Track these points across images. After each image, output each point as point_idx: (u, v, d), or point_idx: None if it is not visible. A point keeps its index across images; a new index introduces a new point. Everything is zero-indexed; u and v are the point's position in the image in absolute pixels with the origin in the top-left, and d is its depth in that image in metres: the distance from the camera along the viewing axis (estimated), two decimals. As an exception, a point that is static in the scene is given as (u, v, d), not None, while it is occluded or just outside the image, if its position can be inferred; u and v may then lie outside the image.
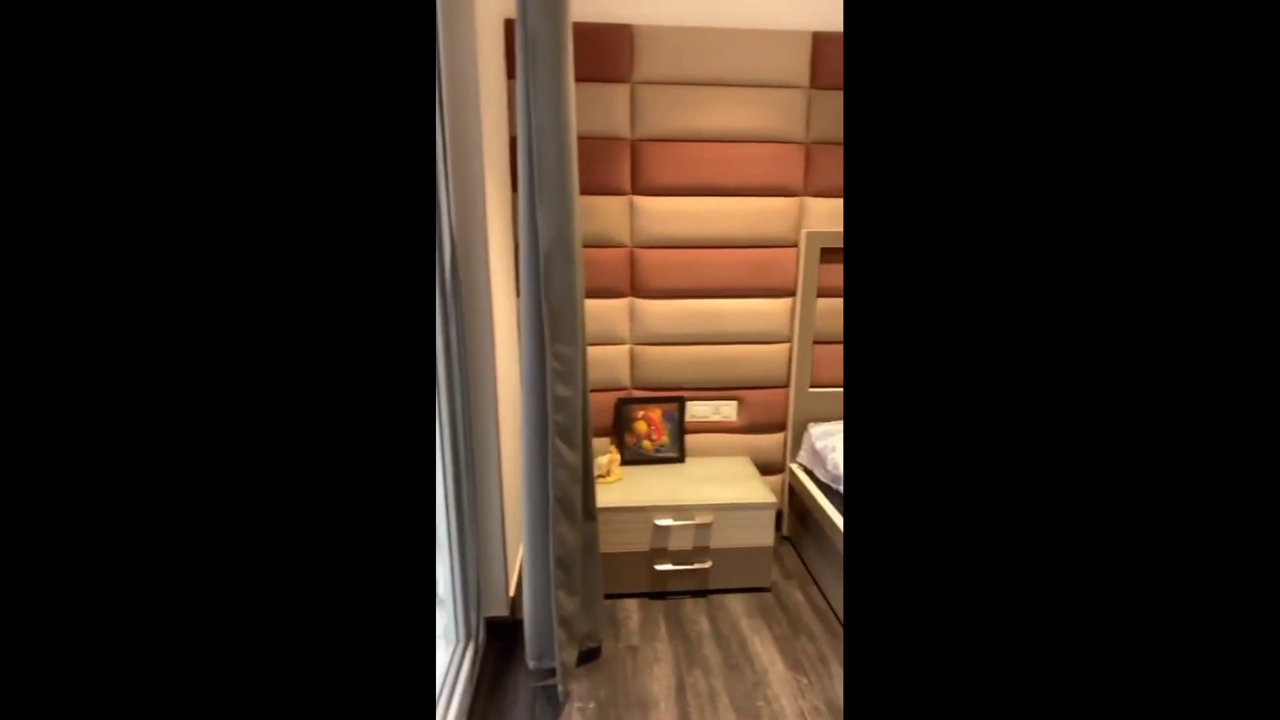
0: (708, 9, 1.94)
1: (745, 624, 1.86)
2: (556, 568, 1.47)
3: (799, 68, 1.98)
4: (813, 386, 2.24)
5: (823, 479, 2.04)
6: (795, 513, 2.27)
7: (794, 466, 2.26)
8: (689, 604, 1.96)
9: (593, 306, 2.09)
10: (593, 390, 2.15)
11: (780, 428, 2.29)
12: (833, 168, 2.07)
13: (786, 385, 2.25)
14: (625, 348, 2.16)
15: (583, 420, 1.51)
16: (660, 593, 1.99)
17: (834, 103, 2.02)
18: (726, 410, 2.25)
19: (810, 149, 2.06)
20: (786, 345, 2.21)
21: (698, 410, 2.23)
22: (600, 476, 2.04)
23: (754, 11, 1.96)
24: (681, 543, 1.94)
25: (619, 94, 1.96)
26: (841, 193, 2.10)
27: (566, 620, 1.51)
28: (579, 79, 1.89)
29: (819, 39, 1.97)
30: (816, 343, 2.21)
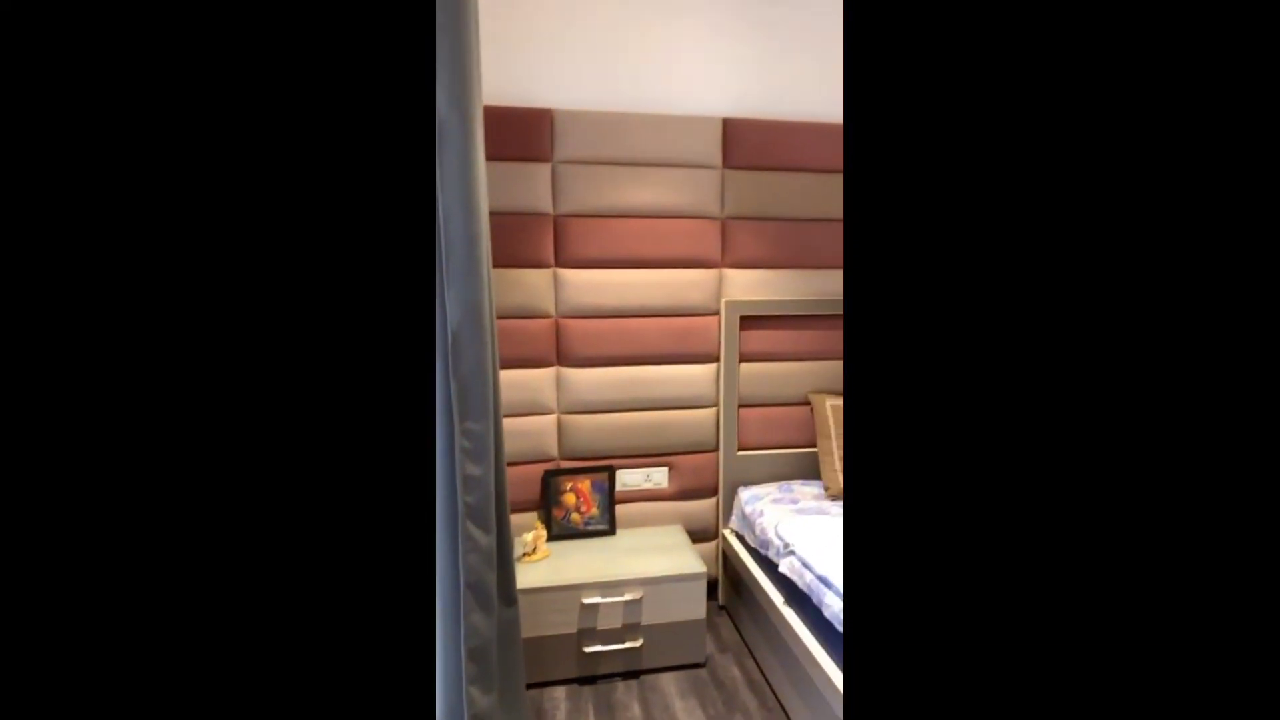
0: (622, 95, 2.06)
1: (679, 706, 1.78)
2: (469, 661, 1.37)
3: (711, 150, 2.11)
4: (741, 449, 2.26)
5: (753, 544, 2.03)
6: (730, 580, 2.23)
7: (727, 532, 2.24)
8: (620, 687, 1.86)
9: (518, 377, 2.07)
10: (519, 463, 2.10)
11: (712, 492, 2.28)
12: (746, 241, 2.18)
13: (716, 449, 2.26)
14: (552, 417, 2.14)
15: (497, 500, 1.46)
16: (590, 677, 1.88)
17: (745, 181, 2.14)
18: (658, 477, 2.23)
19: (725, 224, 2.17)
20: (714, 410, 2.24)
21: (629, 479, 2.20)
22: (525, 555, 1.96)
23: (667, 99, 2.09)
24: (611, 621, 1.86)
25: (541, 172, 2.02)
26: (756, 264, 2.20)
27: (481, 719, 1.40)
28: (501, 158, 1.95)
29: (729, 123, 2.11)
30: (742, 406, 2.25)
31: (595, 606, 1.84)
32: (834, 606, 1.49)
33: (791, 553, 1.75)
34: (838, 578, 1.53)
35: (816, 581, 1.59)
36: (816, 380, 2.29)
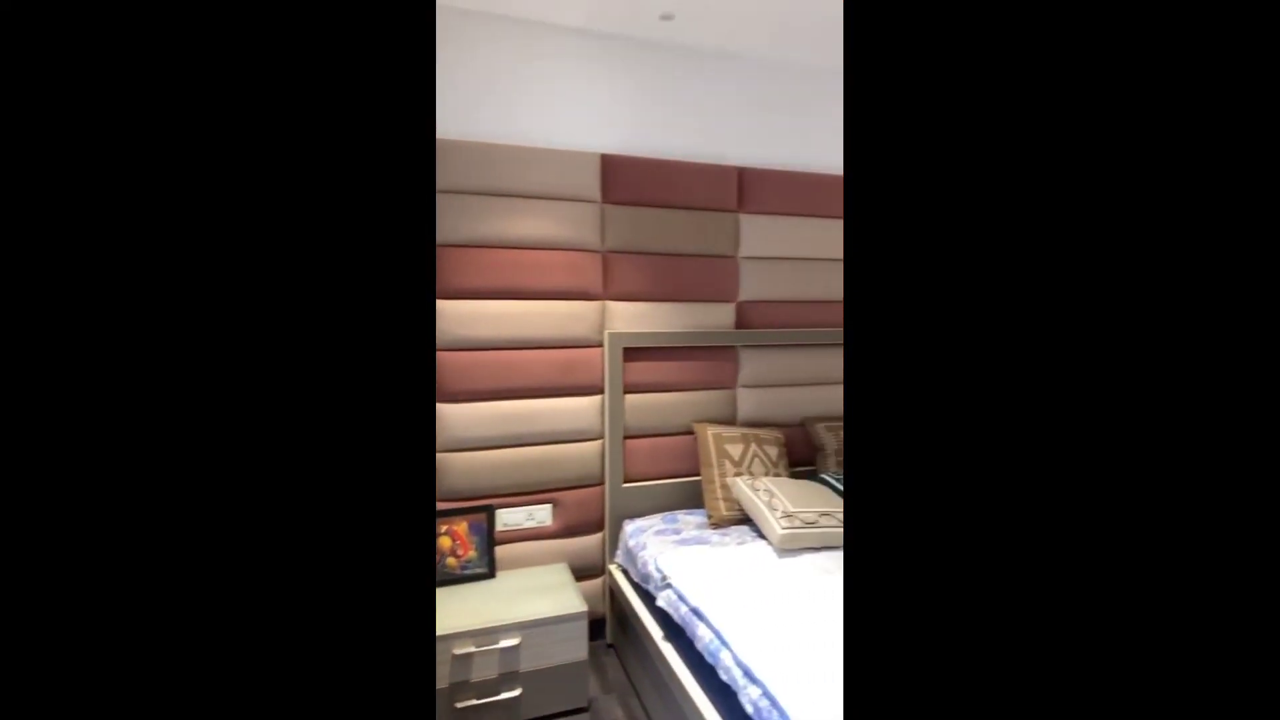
0: (499, 128, 2.05)
1: (558, 757, 1.70)
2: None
3: (591, 184, 2.14)
4: (627, 482, 2.25)
5: (636, 579, 2.00)
6: (617, 617, 2.19)
7: (613, 568, 2.20)
8: (496, 744, 1.75)
9: (387, 414, 1.94)
10: (388, 506, 1.96)
11: (598, 527, 2.24)
12: (628, 274, 2.21)
13: (602, 483, 2.23)
14: (426, 456, 2.02)
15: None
16: (463, 736, 1.76)
17: (625, 216, 2.19)
18: (541, 515, 2.16)
19: (607, 257, 2.19)
20: (599, 442, 2.22)
21: (510, 518, 2.12)
22: (392, 606, 1.81)
23: (544, 133, 2.10)
24: (486, 672, 1.76)
25: (412, 201, 1.95)
26: (638, 297, 2.23)
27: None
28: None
29: (607, 159, 2.16)
30: (628, 438, 2.25)
31: (468, 657, 1.73)
32: (705, 639, 1.49)
33: (669, 585, 1.74)
34: (709, 609, 1.54)
35: (690, 614, 1.59)
36: (699, 410, 2.34)
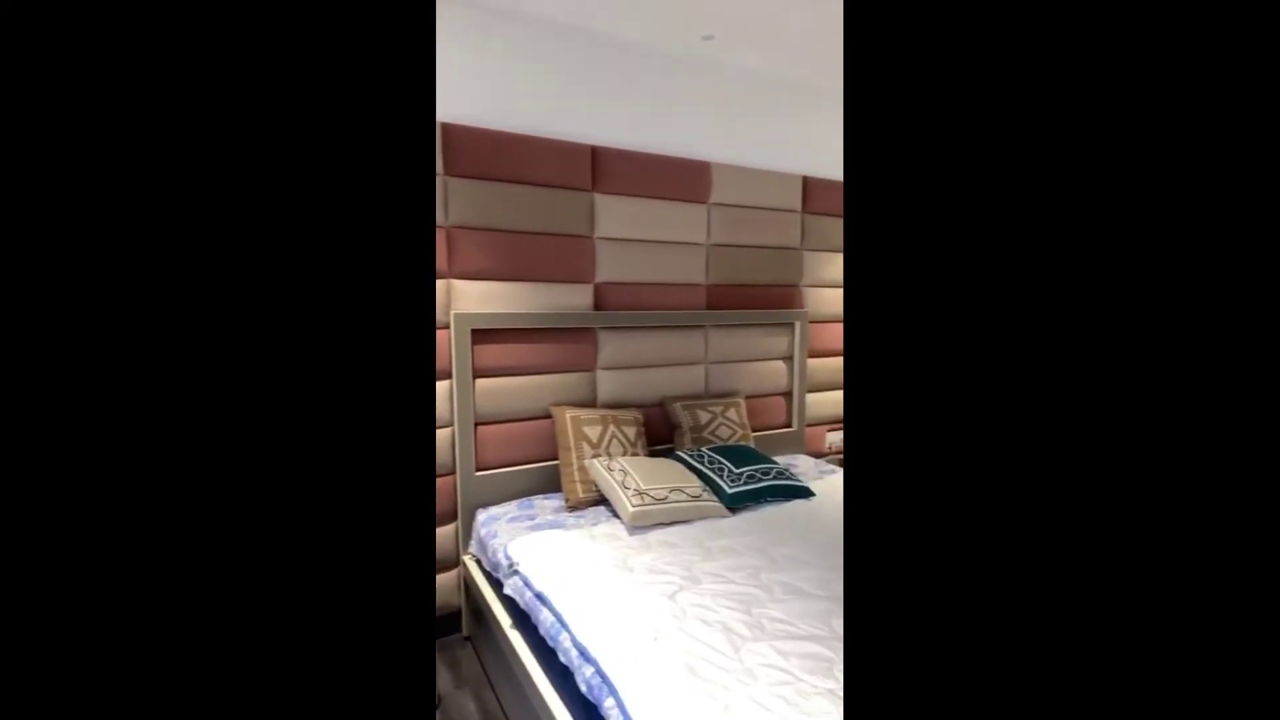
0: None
1: (399, 763, 1.60)
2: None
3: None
4: (480, 470, 2.16)
5: (487, 568, 1.94)
6: (471, 609, 2.11)
7: (467, 559, 2.12)
8: (329, 759, 1.62)
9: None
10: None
11: (450, 518, 2.14)
12: (475, 252, 2.10)
13: (452, 472, 2.13)
14: (242, 453, 1.80)
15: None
16: (290, 756, 1.60)
17: (470, 191, 2.07)
18: (385, 509, 2.02)
19: (450, 232, 2.07)
20: (448, 430, 2.11)
21: (347, 515, 1.95)
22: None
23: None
24: (315, 684, 1.61)
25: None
26: (486, 276, 2.14)
27: None
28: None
29: (448, 129, 2.02)
30: (480, 424, 2.16)
31: (294, 671, 1.58)
32: (547, 623, 1.46)
33: (516, 572, 1.70)
34: (553, 592, 1.52)
35: (534, 599, 1.56)
36: (558, 393, 2.30)
